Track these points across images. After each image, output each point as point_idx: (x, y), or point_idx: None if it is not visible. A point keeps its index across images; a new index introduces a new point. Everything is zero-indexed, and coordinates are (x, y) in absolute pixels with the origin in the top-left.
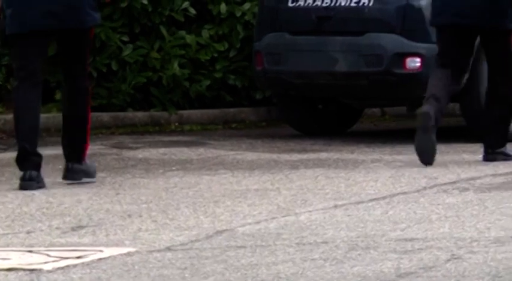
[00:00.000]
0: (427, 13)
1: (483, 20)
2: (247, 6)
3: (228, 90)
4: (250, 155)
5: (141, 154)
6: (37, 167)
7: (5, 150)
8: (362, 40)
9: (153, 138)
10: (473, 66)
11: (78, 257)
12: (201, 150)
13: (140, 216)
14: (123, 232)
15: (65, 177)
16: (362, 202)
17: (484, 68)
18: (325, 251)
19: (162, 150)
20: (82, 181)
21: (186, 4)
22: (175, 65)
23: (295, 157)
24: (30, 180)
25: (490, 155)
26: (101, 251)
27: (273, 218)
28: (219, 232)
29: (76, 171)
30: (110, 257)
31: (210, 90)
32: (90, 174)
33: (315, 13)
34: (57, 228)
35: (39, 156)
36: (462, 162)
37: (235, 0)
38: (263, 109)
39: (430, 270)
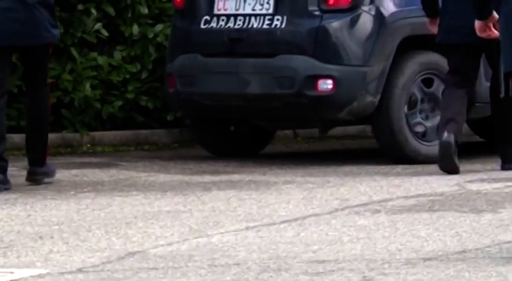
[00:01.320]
0: (339, 35)
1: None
2: (159, 27)
3: (140, 111)
4: (163, 177)
5: None
6: (3, 170)
7: None
8: (274, 62)
9: (65, 159)
10: (384, 90)
11: None
12: (113, 171)
13: (52, 237)
14: (35, 254)
15: (27, 179)
16: (274, 224)
17: (396, 92)
18: (237, 273)
19: (74, 171)
20: (44, 182)
21: (98, 25)
22: (87, 86)
23: (208, 178)
24: None
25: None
26: (11, 272)
27: (185, 239)
28: (131, 254)
29: (38, 173)
30: (21, 279)
31: (122, 112)
32: (50, 175)
33: (227, 35)
34: None
35: (5, 161)
36: (374, 184)
37: (147, 22)
38: (175, 131)
39: None
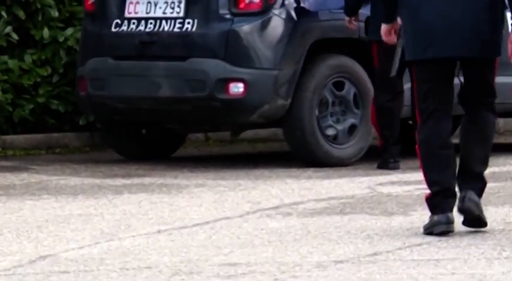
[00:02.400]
0: (250, 38)
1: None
2: (69, 31)
3: (51, 115)
4: (74, 180)
5: None
6: None
7: None
8: (185, 65)
9: None
10: (296, 93)
11: None
12: (24, 175)
13: None
14: None
15: None
16: (185, 227)
17: (307, 95)
18: (149, 276)
19: None
20: None
21: (8, 29)
22: None
23: (119, 181)
24: None
25: None
26: None
27: (97, 243)
28: (42, 257)
29: None
30: None
31: (33, 115)
32: None
33: (138, 38)
34: None
35: None
36: (285, 187)
37: (57, 25)
38: (87, 134)
39: None
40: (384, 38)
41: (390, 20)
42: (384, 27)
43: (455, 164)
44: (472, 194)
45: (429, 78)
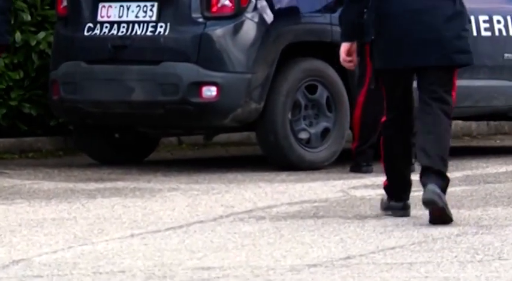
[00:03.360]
0: (223, 42)
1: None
2: (41, 35)
3: (23, 119)
4: (47, 184)
5: None
6: None
7: None
8: (158, 69)
9: None
10: (268, 96)
11: None
12: None
13: None
14: None
15: None
16: (159, 231)
17: (280, 99)
18: (122, 280)
19: None
20: None
21: None
22: None
23: (92, 185)
24: None
25: None
26: None
27: (70, 247)
28: (16, 262)
29: None
30: None
31: (6, 119)
32: None
33: (110, 42)
34: None
35: None
36: (258, 191)
37: (30, 29)
38: (59, 138)
39: None
40: (342, 55)
41: (351, 38)
42: (343, 46)
43: (412, 156)
44: (435, 187)
45: (393, 84)
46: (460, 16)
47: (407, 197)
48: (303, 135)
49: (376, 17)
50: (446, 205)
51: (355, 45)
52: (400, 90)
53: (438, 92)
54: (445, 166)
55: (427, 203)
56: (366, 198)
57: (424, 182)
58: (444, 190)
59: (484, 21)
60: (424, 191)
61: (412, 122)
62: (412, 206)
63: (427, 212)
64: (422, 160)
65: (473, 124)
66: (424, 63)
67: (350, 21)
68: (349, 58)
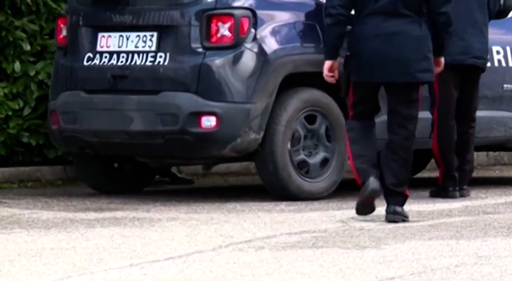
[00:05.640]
0: (222, 72)
1: None
2: (40, 65)
3: (22, 148)
4: (46, 214)
5: None
6: None
7: None
8: (157, 99)
9: None
10: (268, 127)
11: None
12: None
13: None
14: None
15: None
16: (158, 261)
17: (279, 129)
18: None
19: None
20: None
21: None
22: None
23: (91, 215)
24: None
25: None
26: None
27: (69, 277)
28: None
29: None
30: None
31: (5, 148)
32: None
33: (110, 72)
34: None
35: None
36: (258, 221)
37: (29, 59)
38: (59, 168)
39: None
40: (325, 72)
41: (332, 57)
42: (326, 64)
43: (376, 145)
44: (395, 207)
45: (362, 93)
46: (426, 39)
47: (374, 173)
48: (303, 165)
49: (351, 39)
50: (405, 216)
51: (336, 62)
52: (368, 96)
53: (402, 114)
54: (405, 184)
55: (390, 222)
56: (365, 228)
57: (387, 201)
58: (403, 204)
59: None
60: (387, 211)
61: (373, 116)
62: (412, 234)
63: (426, 242)
64: (387, 180)
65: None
66: (394, 80)
67: (331, 42)
68: (331, 74)
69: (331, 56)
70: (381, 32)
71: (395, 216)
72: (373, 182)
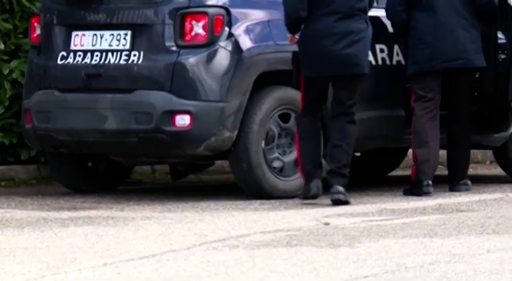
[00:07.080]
0: (196, 70)
1: None
2: (14, 64)
3: None
4: (20, 213)
5: None
6: None
7: None
8: (131, 98)
9: None
10: (242, 125)
11: None
12: None
13: None
14: None
15: None
16: (132, 260)
17: (253, 127)
18: None
19: None
20: None
21: None
22: None
23: (65, 214)
24: None
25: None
26: None
27: (43, 276)
28: None
29: None
30: None
31: None
32: None
33: (84, 70)
34: None
35: None
36: (232, 219)
37: (2, 58)
38: (32, 167)
39: None
40: (289, 41)
41: (293, 32)
42: (289, 36)
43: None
44: (338, 187)
45: (312, 87)
46: (368, 36)
47: (318, 174)
48: (276, 163)
49: (302, 38)
50: (347, 197)
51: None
52: (318, 89)
53: (345, 104)
54: (347, 167)
55: (334, 202)
56: (339, 227)
57: (330, 181)
58: (345, 186)
59: None
60: (332, 191)
61: (321, 111)
62: (385, 233)
63: (400, 240)
64: (331, 164)
65: (445, 153)
66: (342, 72)
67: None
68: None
69: (293, 32)
70: (329, 32)
71: (339, 195)
72: (313, 187)
